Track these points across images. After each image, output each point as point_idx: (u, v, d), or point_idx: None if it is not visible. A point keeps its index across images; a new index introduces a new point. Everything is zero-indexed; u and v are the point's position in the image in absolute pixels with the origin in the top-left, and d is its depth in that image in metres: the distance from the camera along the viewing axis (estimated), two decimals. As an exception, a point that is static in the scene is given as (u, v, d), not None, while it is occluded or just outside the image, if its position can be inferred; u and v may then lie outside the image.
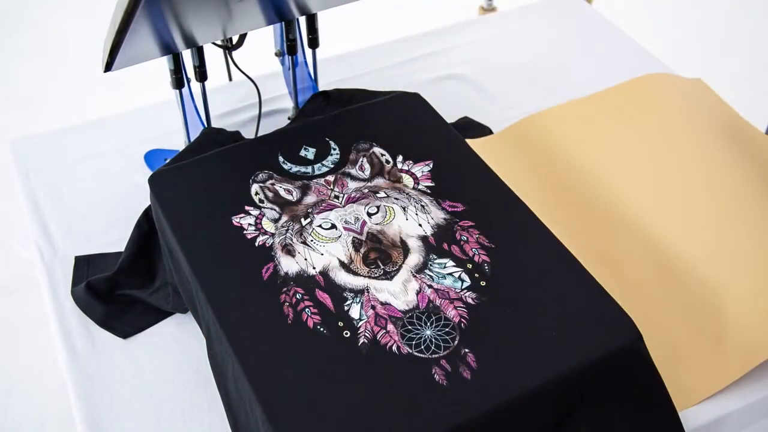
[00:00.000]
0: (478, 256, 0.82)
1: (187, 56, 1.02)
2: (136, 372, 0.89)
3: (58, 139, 1.20)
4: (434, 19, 2.15)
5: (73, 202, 1.09)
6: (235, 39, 1.05)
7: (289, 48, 1.09)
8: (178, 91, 1.03)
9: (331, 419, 0.69)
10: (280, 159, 0.93)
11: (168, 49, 0.96)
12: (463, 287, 0.79)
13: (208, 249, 0.83)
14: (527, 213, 0.86)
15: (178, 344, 0.92)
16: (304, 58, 1.13)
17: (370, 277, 0.80)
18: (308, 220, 0.86)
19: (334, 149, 0.94)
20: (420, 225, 0.85)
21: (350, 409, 0.70)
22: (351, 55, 1.34)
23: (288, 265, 0.81)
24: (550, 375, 0.72)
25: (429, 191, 0.89)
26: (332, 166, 0.92)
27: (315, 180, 0.90)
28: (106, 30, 0.83)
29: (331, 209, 0.87)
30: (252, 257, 0.82)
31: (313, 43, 1.11)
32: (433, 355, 0.73)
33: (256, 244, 0.83)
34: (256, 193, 0.89)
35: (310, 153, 0.93)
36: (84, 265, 1.01)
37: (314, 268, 0.81)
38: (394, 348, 0.74)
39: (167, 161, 0.97)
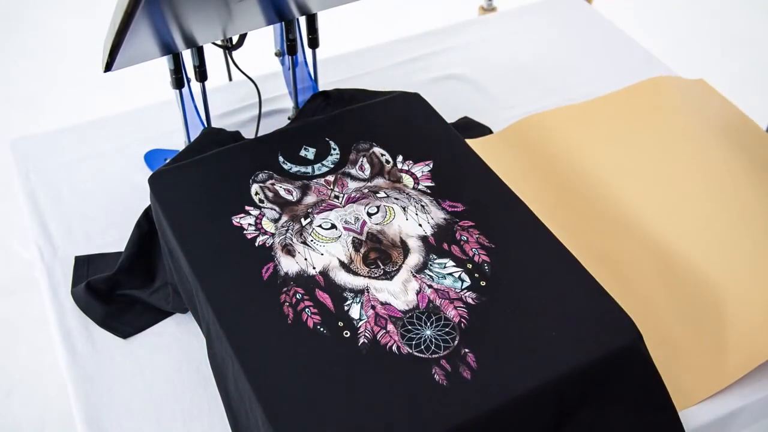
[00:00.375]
0: (478, 256, 0.82)
1: (187, 56, 1.02)
2: (136, 372, 0.89)
3: (58, 139, 1.20)
4: (434, 19, 2.15)
5: (73, 202, 1.09)
6: (235, 39, 1.05)
7: (289, 48, 1.09)
8: (178, 91, 1.03)
9: (331, 419, 0.69)
10: (280, 159, 0.93)
11: (168, 49, 0.96)
12: (463, 287, 0.79)
13: (208, 249, 0.83)
14: (527, 213, 0.86)
15: (178, 344, 0.92)
16: (304, 58, 1.13)
17: (370, 277, 0.80)
18: (308, 220, 0.86)
19: (334, 149, 0.94)
20: (420, 225, 0.85)
21: (350, 409, 0.70)
22: (351, 55, 1.34)
23: (288, 265, 0.81)
24: (550, 375, 0.72)
25: (429, 191, 0.89)
26: (332, 166, 0.92)
27: (315, 180, 0.90)
28: (106, 30, 0.83)
29: (331, 209, 0.87)
30: (252, 257, 0.82)
31: (313, 43, 1.11)
32: (433, 355, 0.73)
33: (256, 244, 0.83)
34: (256, 193, 0.89)
35: (310, 153, 0.93)
36: (84, 265, 1.01)
37: (314, 268, 0.81)
38: (394, 348, 0.74)
39: (167, 161, 0.97)
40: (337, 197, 0.88)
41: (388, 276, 0.80)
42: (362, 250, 0.83)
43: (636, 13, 2.42)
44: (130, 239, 1.00)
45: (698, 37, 2.40)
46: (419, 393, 0.71)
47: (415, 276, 0.80)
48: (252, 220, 0.86)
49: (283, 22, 1.07)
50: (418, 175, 0.91)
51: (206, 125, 1.08)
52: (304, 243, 0.83)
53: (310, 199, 0.88)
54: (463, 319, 0.76)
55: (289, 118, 1.18)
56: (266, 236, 0.84)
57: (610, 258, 0.96)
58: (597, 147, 1.10)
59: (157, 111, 1.23)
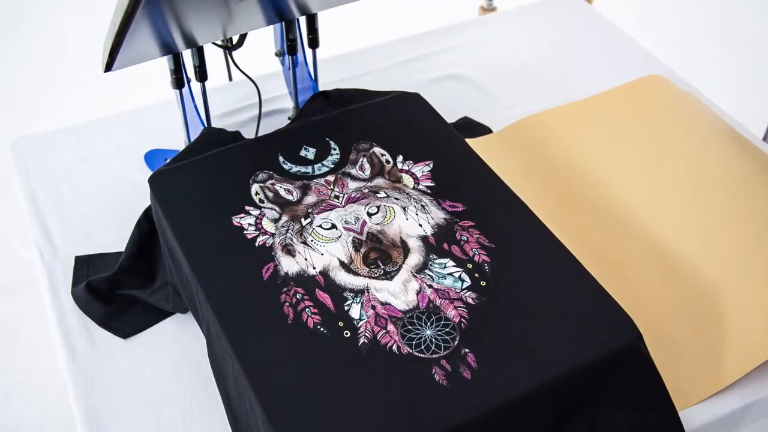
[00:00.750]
0: (478, 256, 0.82)
1: (187, 56, 1.02)
2: (136, 372, 0.89)
3: (58, 139, 1.20)
4: (434, 19, 2.15)
5: (73, 202, 1.09)
6: (235, 39, 1.05)
7: (289, 48, 1.09)
8: (178, 91, 1.03)
9: (331, 419, 0.69)
10: (281, 159, 0.93)
11: (168, 49, 0.96)
12: (463, 287, 0.79)
13: (208, 249, 0.83)
14: (527, 213, 0.86)
15: (178, 344, 0.92)
16: (304, 58, 1.13)
17: (370, 277, 0.80)
18: (308, 220, 0.86)
19: (334, 149, 0.94)
20: (420, 225, 0.85)
21: (350, 409, 0.70)
22: (351, 55, 1.34)
23: (288, 265, 0.81)
24: (550, 375, 0.72)
25: (429, 191, 0.89)
26: (332, 166, 0.92)
27: (315, 180, 0.90)
28: (106, 30, 0.83)
29: (331, 209, 0.87)
30: (252, 257, 0.82)
31: (313, 43, 1.11)
32: (433, 355, 0.73)
33: (256, 244, 0.83)
34: (257, 193, 0.89)
35: (310, 153, 0.93)
36: (84, 265, 1.01)
37: (314, 268, 0.81)
38: (394, 348, 0.74)
39: (167, 161, 0.97)
40: (337, 197, 0.88)
41: (389, 276, 0.80)
42: (362, 250, 0.83)
43: (636, 13, 2.41)
44: (130, 239, 1.00)
45: (698, 37, 2.40)
46: (419, 393, 0.71)
47: (415, 276, 0.80)
48: (252, 220, 0.86)
49: (283, 22, 1.07)
50: (418, 175, 0.91)
51: (206, 125, 1.08)
52: (305, 243, 0.83)
53: (310, 199, 0.88)
54: (463, 319, 0.76)
55: (289, 118, 1.18)
56: (266, 236, 0.84)
57: (610, 258, 0.96)
58: (597, 146, 1.10)
59: (157, 111, 1.23)
